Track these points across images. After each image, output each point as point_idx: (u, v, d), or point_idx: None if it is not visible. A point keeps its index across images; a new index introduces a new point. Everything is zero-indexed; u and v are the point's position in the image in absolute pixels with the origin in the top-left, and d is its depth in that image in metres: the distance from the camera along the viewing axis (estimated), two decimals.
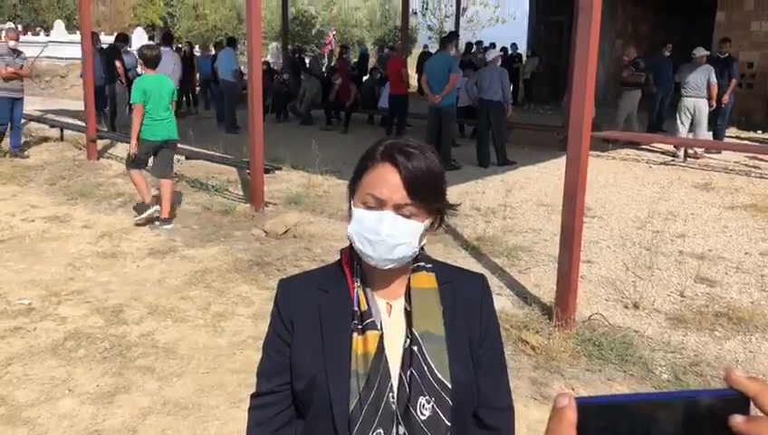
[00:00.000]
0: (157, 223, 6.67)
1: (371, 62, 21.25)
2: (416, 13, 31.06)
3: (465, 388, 1.23)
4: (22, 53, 10.02)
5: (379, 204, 1.20)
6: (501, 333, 1.38)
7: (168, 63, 11.52)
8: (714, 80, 10.14)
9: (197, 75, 16.53)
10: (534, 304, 4.73)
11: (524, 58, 20.33)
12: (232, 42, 14.16)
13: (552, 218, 6.61)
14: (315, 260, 5.67)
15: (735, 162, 10.07)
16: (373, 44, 34.15)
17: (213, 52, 15.96)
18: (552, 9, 19.29)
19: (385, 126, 13.06)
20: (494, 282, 4.96)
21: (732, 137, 12.21)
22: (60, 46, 21.51)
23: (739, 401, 0.60)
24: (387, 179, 1.19)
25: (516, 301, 4.87)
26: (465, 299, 1.31)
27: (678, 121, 10.44)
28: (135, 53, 15.60)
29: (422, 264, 1.30)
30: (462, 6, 25.51)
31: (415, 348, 1.21)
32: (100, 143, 10.27)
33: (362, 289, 1.26)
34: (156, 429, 3.28)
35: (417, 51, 24.97)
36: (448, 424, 1.18)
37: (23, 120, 10.61)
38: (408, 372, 1.19)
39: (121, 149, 8.01)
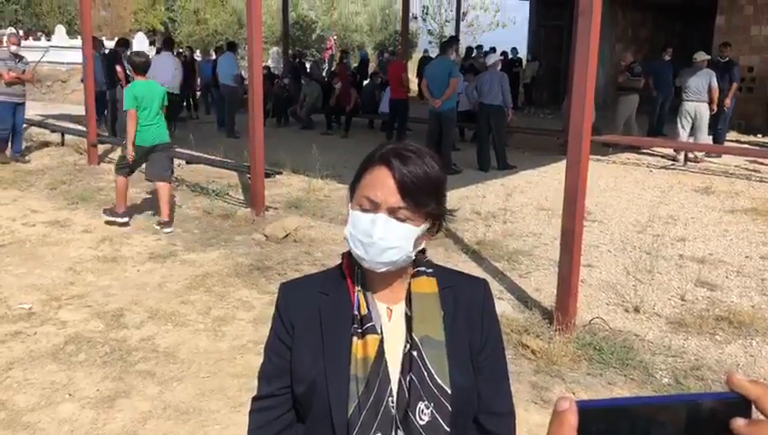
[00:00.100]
0: (157, 227, 6.69)
1: (372, 66, 21.27)
2: (416, 17, 31.13)
3: (465, 393, 1.23)
4: (23, 57, 10.03)
5: (374, 206, 1.20)
6: (503, 338, 1.38)
7: (168, 68, 11.56)
8: (715, 84, 10.15)
9: (198, 80, 16.55)
10: (535, 309, 4.73)
11: (524, 62, 20.36)
12: (232, 46, 14.18)
13: (553, 222, 6.61)
14: (316, 264, 5.67)
15: (736, 166, 10.07)
16: (373, 49, 34.20)
17: (214, 56, 15.97)
18: (552, 13, 19.33)
19: (385, 130, 13.07)
20: (494, 286, 4.95)
21: (732, 141, 12.22)
22: (61, 51, 21.51)
23: (740, 404, 0.60)
24: (382, 182, 1.20)
25: (517, 305, 4.87)
26: (466, 304, 1.30)
27: (679, 126, 10.45)
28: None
29: (423, 268, 1.30)
30: (462, 11, 25.57)
31: (414, 353, 1.21)
32: (101, 148, 10.27)
33: (363, 293, 1.27)
34: (156, 433, 3.28)
35: (417, 55, 24.98)
36: (447, 429, 1.18)
37: (23, 125, 10.62)
38: (408, 377, 1.19)
39: None
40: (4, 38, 11.36)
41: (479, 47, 19.68)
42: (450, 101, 9.52)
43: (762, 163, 10.13)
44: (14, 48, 9.75)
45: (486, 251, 6.01)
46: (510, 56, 19.04)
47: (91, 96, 10.08)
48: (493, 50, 16.64)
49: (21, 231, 6.65)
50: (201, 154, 9.37)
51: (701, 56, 10.36)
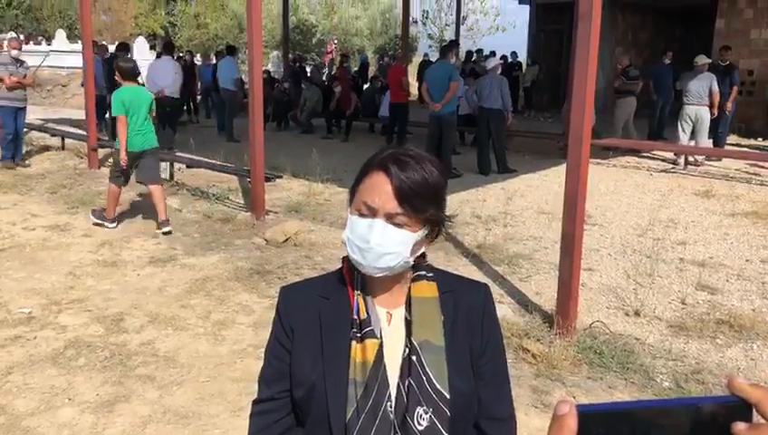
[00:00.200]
0: (158, 231, 6.70)
1: (372, 70, 21.30)
2: (416, 22, 31.18)
3: (465, 398, 1.22)
4: (24, 62, 10.04)
5: (372, 212, 1.20)
6: (504, 342, 1.37)
7: (169, 72, 11.57)
8: (715, 88, 10.16)
9: (198, 84, 16.58)
10: (535, 312, 4.72)
11: (524, 66, 20.37)
12: (231, 50, 14.20)
13: (553, 226, 6.61)
14: (316, 268, 5.67)
15: (736, 170, 10.08)
16: (374, 53, 34.24)
17: (214, 61, 16.00)
18: (552, 18, 19.35)
19: (385, 134, 13.08)
20: (494, 290, 4.95)
21: (732, 144, 12.22)
22: (61, 56, 21.57)
23: (741, 408, 0.59)
24: (380, 188, 1.19)
25: (517, 309, 4.87)
26: (466, 308, 1.30)
27: (680, 129, 10.45)
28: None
29: (423, 273, 1.30)
30: (462, 15, 25.61)
31: (413, 358, 1.20)
32: (101, 152, 10.27)
33: (363, 297, 1.26)
34: None
35: (417, 59, 25.02)
36: (446, 434, 1.18)
37: (24, 129, 10.63)
38: (407, 382, 1.19)
39: None
40: (5, 42, 11.36)
41: (479, 51, 19.72)
42: (450, 104, 9.53)
43: (762, 167, 10.13)
44: (14, 52, 9.76)
45: (487, 255, 6.01)
46: (510, 60, 19.06)
47: (91, 100, 10.10)
48: (492, 54, 16.69)
49: (21, 235, 6.65)
50: (201, 158, 9.38)
51: (702, 60, 10.37)
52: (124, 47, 13.83)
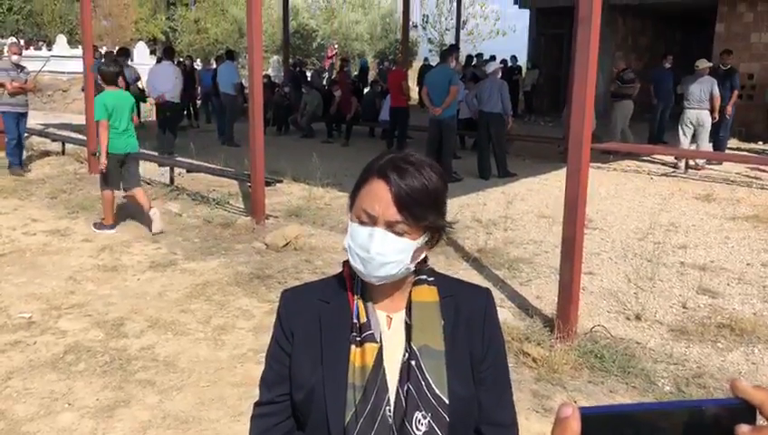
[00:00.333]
0: (151, 233, 6.82)
1: (372, 74, 21.32)
2: (416, 26, 31.21)
3: (464, 404, 1.22)
4: (24, 67, 10.05)
5: (372, 220, 1.19)
6: (505, 348, 1.36)
7: (169, 77, 11.58)
8: (716, 92, 10.16)
9: (198, 89, 16.60)
10: (536, 316, 4.72)
11: (524, 70, 20.39)
12: (231, 55, 14.22)
13: (554, 230, 6.60)
14: (316, 273, 5.66)
15: (737, 173, 10.08)
16: (374, 57, 34.30)
17: (214, 65, 16.03)
18: (552, 22, 19.38)
19: (386, 138, 13.09)
20: (495, 294, 4.92)
21: (732, 148, 12.23)
22: (62, 61, 21.60)
23: (744, 410, 0.59)
24: (379, 196, 1.19)
25: (518, 313, 4.86)
26: (467, 313, 1.29)
27: (681, 133, 10.46)
28: (135, 67, 15.72)
29: (424, 277, 1.29)
30: (462, 19, 25.65)
31: (413, 362, 1.20)
32: None
33: (362, 301, 1.26)
34: None
35: (417, 64, 25.05)
36: None
37: (25, 134, 10.63)
38: (405, 387, 1.19)
39: None
40: (5, 48, 11.38)
41: (479, 55, 19.74)
42: (450, 108, 9.53)
43: (762, 170, 10.14)
44: (14, 58, 9.77)
45: (487, 259, 6.00)
46: (510, 64, 19.09)
47: (91, 105, 10.08)
48: (493, 58, 16.72)
49: (21, 240, 6.65)
50: (201, 163, 9.39)
51: (703, 64, 10.37)
52: (125, 52, 13.87)
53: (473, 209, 7.66)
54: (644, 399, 3.70)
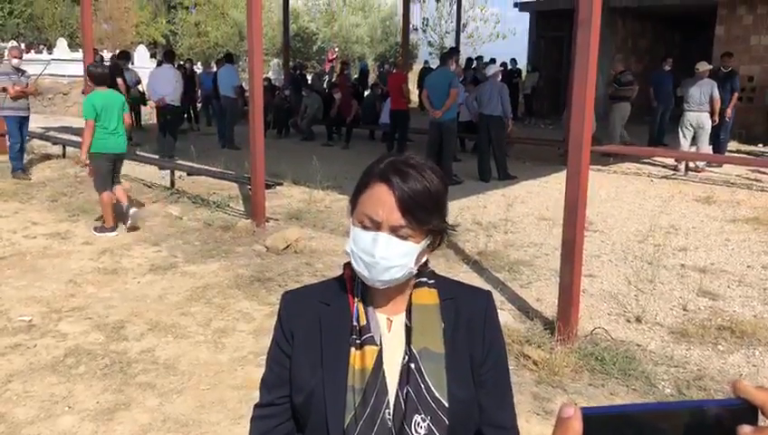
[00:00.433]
0: (129, 219, 7.00)
1: (372, 77, 21.33)
2: (416, 29, 31.23)
3: (464, 407, 1.22)
4: (25, 71, 10.06)
5: (375, 225, 1.19)
6: (506, 350, 1.36)
7: (170, 80, 11.60)
8: (716, 94, 10.16)
9: (199, 92, 16.63)
10: (536, 319, 4.71)
11: (524, 73, 20.41)
12: (230, 58, 14.23)
13: (554, 232, 6.60)
14: (316, 275, 5.66)
15: (737, 175, 10.08)
16: (374, 60, 34.31)
17: (214, 69, 16.04)
18: (551, 25, 19.42)
19: (386, 141, 13.09)
20: (495, 296, 4.92)
21: (732, 150, 12.24)
22: (62, 64, 21.64)
23: (746, 410, 0.59)
24: (382, 201, 1.18)
25: (518, 315, 4.86)
26: (468, 316, 1.29)
27: (681, 135, 10.46)
28: (136, 70, 15.75)
29: (425, 279, 1.29)
30: (462, 22, 25.64)
31: (412, 365, 1.20)
32: None
33: (363, 304, 1.26)
34: None
35: (417, 67, 25.07)
36: None
37: (26, 138, 10.65)
38: (405, 390, 1.19)
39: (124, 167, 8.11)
40: (6, 52, 11.39)
41: (479, 58, 19.75)
42: (451, 111, 9.54)
43: (763, 172, 10.14)
44: (15, 61, 9.78)
45: (487, 261, 6.00)
46: (510, 67, 19.10)
47: None
48: (493, 61, 16.71)
49: (22, 243, 6.65)
50: (202, 166, 9.39)
51: (703, 66, 10.38)
52: (125, 55, 13.88)
53: (473, 212, 7.66)
54: (645, 401, 3.70)
